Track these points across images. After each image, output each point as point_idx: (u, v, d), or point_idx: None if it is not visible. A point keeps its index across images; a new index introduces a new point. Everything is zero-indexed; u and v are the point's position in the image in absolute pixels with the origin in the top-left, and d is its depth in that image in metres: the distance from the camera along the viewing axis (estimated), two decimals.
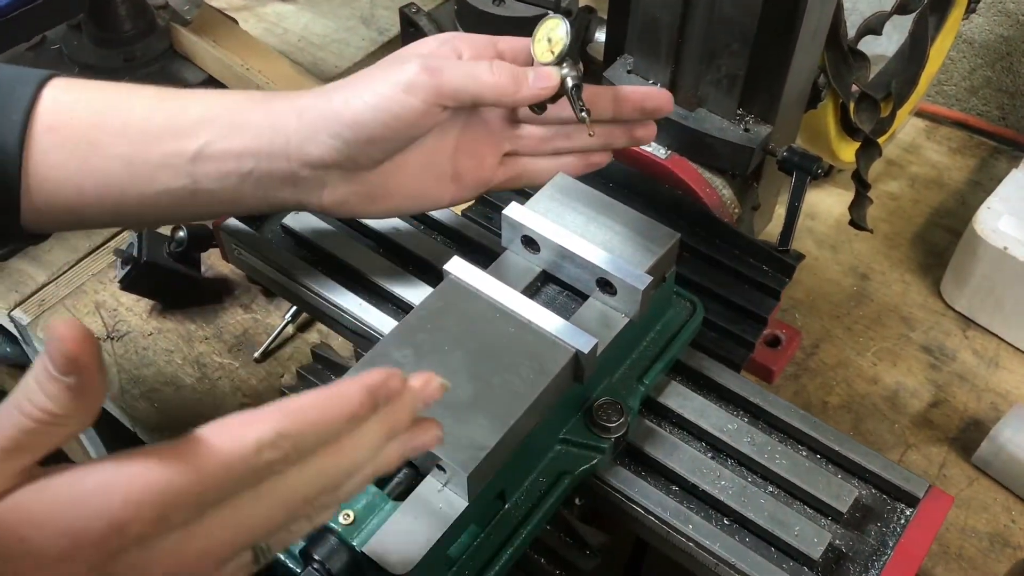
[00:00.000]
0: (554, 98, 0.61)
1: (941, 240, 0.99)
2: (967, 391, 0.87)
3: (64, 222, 0.61)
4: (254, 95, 0.60)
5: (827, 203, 1.01)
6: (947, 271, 0.93)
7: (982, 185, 1.03)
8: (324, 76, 1.14)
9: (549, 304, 0.63)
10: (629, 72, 0.77)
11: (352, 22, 1.22)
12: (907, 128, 1.10)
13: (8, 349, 1.38)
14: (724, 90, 0.72)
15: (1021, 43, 1.02)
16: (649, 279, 0.59)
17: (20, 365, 1.49)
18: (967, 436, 0.84)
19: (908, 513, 0.61)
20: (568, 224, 0.63)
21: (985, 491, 0.81)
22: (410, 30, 1.09)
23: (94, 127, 0.57)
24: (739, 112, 0.73)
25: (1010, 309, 0.88)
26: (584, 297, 0.63)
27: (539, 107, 0.62)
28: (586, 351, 0.56)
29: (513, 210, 0.63)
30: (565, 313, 0.62)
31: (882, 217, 1.01)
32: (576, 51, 0.60)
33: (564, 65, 0.60)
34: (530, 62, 0.62)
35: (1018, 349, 0.90)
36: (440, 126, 0.60)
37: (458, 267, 0.60)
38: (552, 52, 0.60)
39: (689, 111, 0.74)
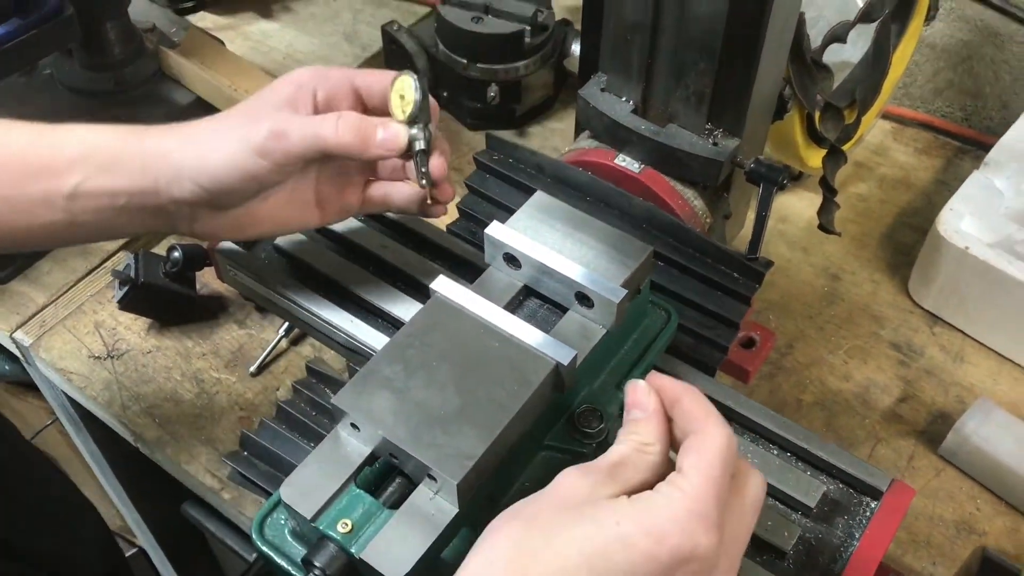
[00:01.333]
0: (405, 155, 0.63)
1: (909, 239, 1.03)
2: (934, 386, 0.91)
3: None
4: (128, 133, 0.63)
5: (798, 207, 1.05)
6: (914, 270, 0.97)
7: (947, 184, 1.07)
8: None
9: (531, 317, 0.67)
10: (603, 90, 0.80)
11: (335, 39, 1.25)
12: (875, 130, 1.14)
13: (7, 367, 1.42)
14: (693, 106, 0.76)
15: (980, 47, 1.06)
16: (624, 292, 0.63)
17: (20, 383, 1.52)
18: (934, 429, 0.88)
19: (873, 506, 0.64)
20: (547, 241, 0.66)
21: (951, 481, 0.85)
22: (392, 47, 1.12)
23: None
24: (708, 127, 0.77)
25: (973, 306, 0.92)
26: (564, 310, 0.66)
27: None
28: (566, 363, 0.59)
29: (495, 229, 0.66)
30: (546, 326, 0.65)
31: (851, 218, 1.05)
32: (428, 110, 0.62)
33: (415, 126, 0.62)
34: (385, 100, 0.64)
35: (982, 344, 0.94)
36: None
37: (444, 285, 0.64)
38: (404, 111, 0.62)
39: (661, 127, 0.78)
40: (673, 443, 0.51)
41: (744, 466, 0.51)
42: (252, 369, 0.92)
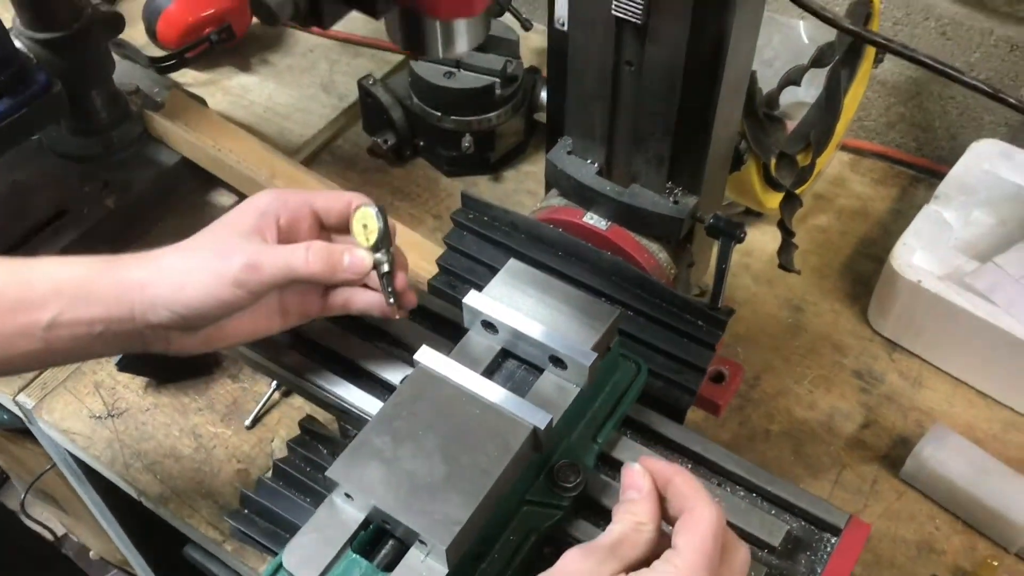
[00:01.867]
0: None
1: (867, 269, 1.08)
2: (894, 411, 0.97)
3: None
4: (99, 264, 0.67)
5: (762, 241, 1.10)
6: (872, 300, 1.03)
7: (903, 213, 1.13)
8: (291, 145, 1.21)
9: (510, 378, 0.72)
10: (569, 152, 0.85)
11: (313, 90, 1.29)
12: (833, 162, 1.19)
13: (6, 416, 1.45)
14: (654, 168, 0.81)
15: (927, 84, 1.11)
16: (595, 355, 0.68)
17: (17, 430, 1.56)
18: (895, 453, 0.93)
19: (833, 541, 0.69)
20: (520, 307, 0.71)
21: (912, 503, 0.90)
22: (368, 100, 1.17)
23: None
24: (668, 185, 0.82)
25: (928, 334, 0.98)
26: (540, 370, 0.71)
27: None
28: (543, 427, 0.64)
29: (472, 298, 0.71)
30: (524, 386, 0.70)
31: (812, 250, 1.10)
32: (390, 236, 0.68)
33: (379, 252, 0.68)
34: (345, 212, 0.70)
35: (938, 368, 0.99)
36: None
37: (427, 356, 0.69)
38: (367, 239, 0.68)
39: (624, 187, 0.83)
40: (666, 518, 0.57)
41: (731, 539, 0.56)
42: (247, 422, 0.96)
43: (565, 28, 0.77)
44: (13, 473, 1.72)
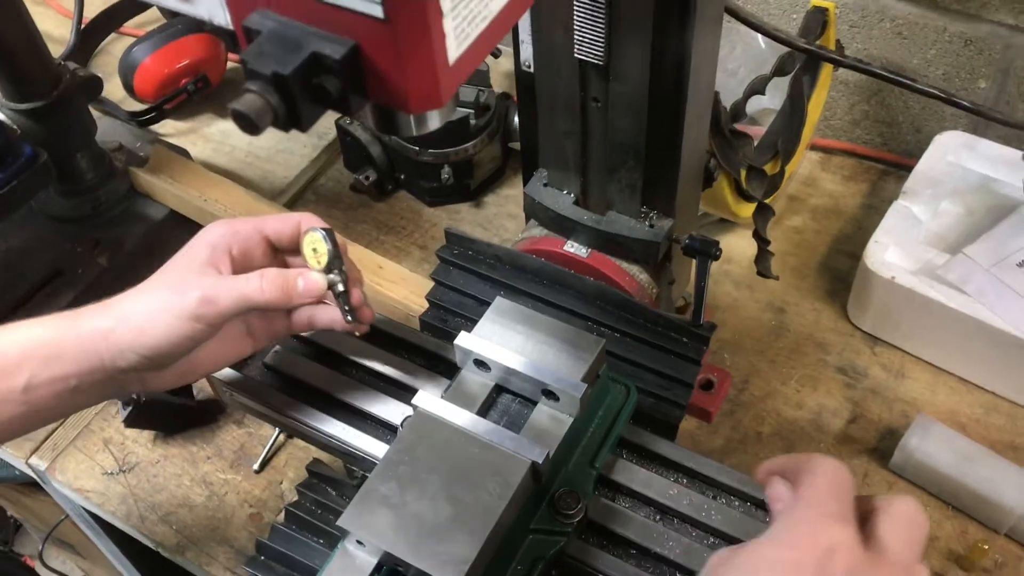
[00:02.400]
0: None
1: (843, 265, 1.12)
2: (879, 404, 1.00)
3: None
4: (64, 320, 0.69)
5: (740, 246, 1.13)
6: (850, 297, 1.06)
7: (875, 207, 1.16)
8: (275, 188, 1.24)
9: (505, 413, 0.75)
10: (545, 184, 0.88)
11: (291, 131, 1.32)
12: (804, 162, 1.23)
13: (17, 472, 1.48)
14: (627, 195, 0.84)
15: (886, 83, 1.14)
16: (584, 386, 0.71)
17: (30, 483, 1.58)
18: (884, 445, 0.96)
19: None
20: (510, 344, 0.74)
21: (903, 493, 0.93)
22: (347, 139, 1.20)
23: None
24: (643, 210, 0.85)
25: (906, 327, 1.01)
26: (533, 403, 0.74)
27: None
28: (540, 460, 0.67)
29: (463, 339, 0.74)
30: (519, 419, 0.73)
31: (789, 251, 1.14)
32: (340, 256, 0.70)
33: (332, 272, 0.70)
34: (296, 234, 0.72)
35: (919, 359, 1.03)
36: None
37: (424, 400, 0.71)
38: (319, 262, 0.70)
39: (601, 215, 0.86)
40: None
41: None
42: (256, 467, 0.99)
43: (532, 70, 0.80)
44: (28, 523, 1.75)
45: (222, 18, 0.46)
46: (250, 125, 0.40)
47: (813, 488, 0.56)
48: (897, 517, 0.55)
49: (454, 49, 0.42)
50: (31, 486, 1.55)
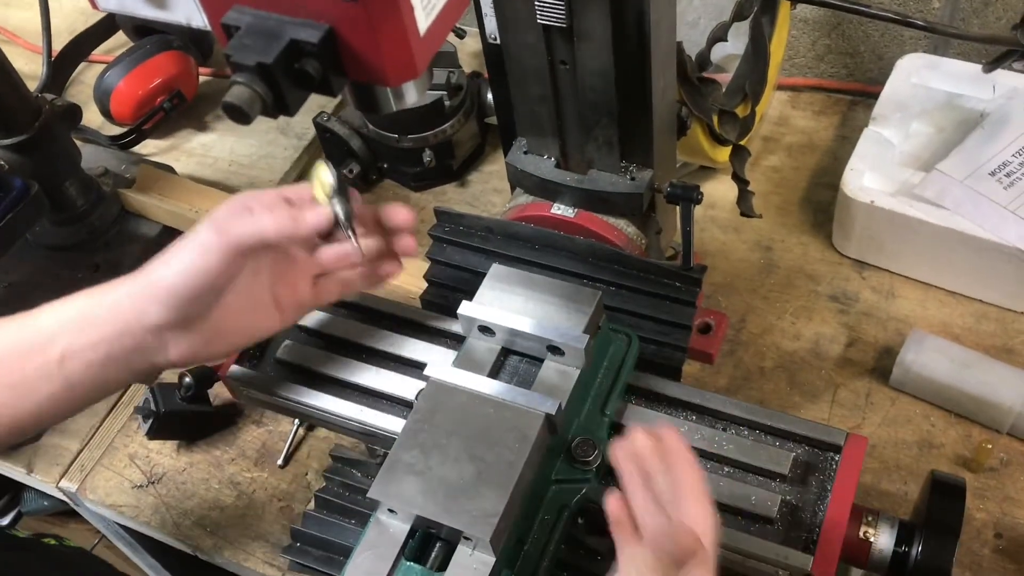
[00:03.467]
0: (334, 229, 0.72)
1: (825, 197, 1.14)
2: (874, 325, 1.03)
3: None
4: (96, 293, 0.70)
5: (722, 191, 1.16)
6: (834, 226, 1.09)
7: (848, 137, 1.19)
8: None
9: (514, 373, 0.78)
10: (525, 152, 0.91)
11: (272, 135, 1.34)
12: (774, 103, 1.25)
13: (46, 503, 1.50)
14: (606, 152, 0.86)
15: (844, 15, 1.17)
16: (587, 336, 0.74)
17: (60, 513, 1.61)
18: (883, 364, 0.99)
19: (837, 459, 0.75)
20: (511, 307, 0.77)
21: (906, 406, 0.96)
22: (326, 135, 1.22)
23: None
24: (623, 164, 0.87)
25: (891, 248, 1.04)
26: (540, 360, 0.77)
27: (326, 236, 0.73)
28: (554, 412, 0.70)
29: (466, 308, 0.77)
30: (528, 378, 0.76)
31: (770, 190, 1.16)
32: (345, 187, 0.71)
33: (335, 201, 0.70)
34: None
35: (907, 277, 1.05)
36: (252, 268, 0.71)
37: (436, 370, 0.74)
38: (324, 193, 0.71)
39: (583, 174, 0.88)
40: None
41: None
42: (279, 462, 1.02)
43: (498, 41, 0.82)
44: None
45: (199, 20, 0.48)
46: (242, 115, 0.42)
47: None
48: None
49: (423, 20, 0.44)
50: (62, 515, 1.58)
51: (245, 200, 0.71)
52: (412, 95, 0.50)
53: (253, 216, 0.68)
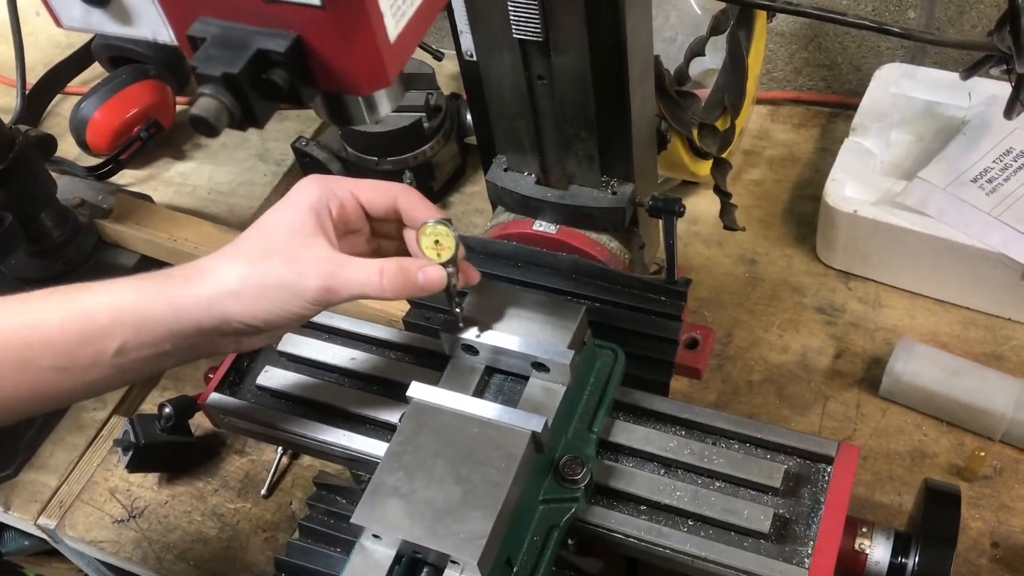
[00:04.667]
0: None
1: (807, 209, 1.14)
2: (862, 335, 1.02)
3: None
4: (150, 286, 0.66)
5: (704, 205, 1.16)
6: (817, 238, 1.08)
7: (828, 150, 1.19)
8: (242, 220, 1.25)
9: (499, 392, 0.76)
10: (505, 169, 0.90)
11: (250, 162, 1.33)
12: (753, 117, 1.25)
13: (27, 543, 1.47)
14: (586, 166, 0.85)
15: (821, 26, 1.17)
16: (571, 353, 0.72)
17: (41, 552, 1.57)
18: (872, 374, 0.98)
19: (829, 470, 0.74)
20: (494, 325, 0.75)
21: (897, 417, 0.95)
22: (304, 160, 1.21)
23: (22, 347, 0.64)
24: (604, 179, 0.86)
25: (876, 258, 1.03)
26: (525, 378, 0.76)
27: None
28: (540, 430, 0.69)
29: (447, 327, 0.75)
30: (514, 396, 0.75)
31: (753, 204, 1.16)
32: (458, 250, 0.68)
33: (450, 267, 0.68)
34: (390, 208, 0.70)
35: (893, 287, 1.05)
36: None
37: (419, 390, 0.73)
38: (439, 255, 0.68)
39: (564, 190, 0.87)
40: None
41: None
42: (263, 492, 1.00)
43: (474, 59, 0.81)
44: None
45: (165, 35, 0.47)
46: (208, 128, 0.41)
47: None
48: None
49: (393, 27, 0.43)
50: (43, 555, 1.54)
51: (325, 200, 0.67)
52: (385, 106, 0.49)
53: (362, 275, 0.65)
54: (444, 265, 0.68)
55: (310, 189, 0.68)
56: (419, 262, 0.67)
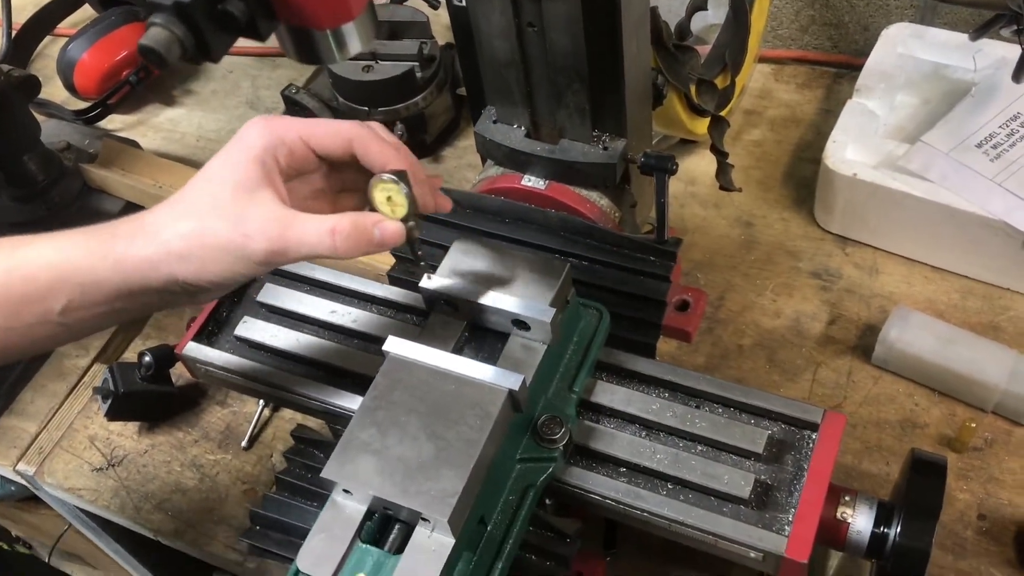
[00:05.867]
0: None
1: (807, 172, 1.11)
2: (856, 302, 1.00)
3: None
4: (95, 244, 0.63)
5: (702, 167, 1.13)
6: (816, 201, 1.05)
7: (831, 112, 1.15)
8: None
9: (479, 350, 0.74)
10: (495, 122, 0.87)
11: (240, 110, 1.30)
12: (756, 75, 1.22)
13: (13, 488, 1.47)
14: (577, 120, 0.83)
15: None
16: (553, 311, 0.70)
17: (27, 498, 1.57)
18: (865, 342, 0.96)
19: (813, 437, 0.72)
20: (475, 281, 0.73)
21: (889, 385, 0.93)
22: (295, 109, 1.18)
23: None
24: (595, 134, 0.84)
25: (874, 222, 1.01)
26: (506, 336, 0.74)
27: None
28: (517, 388, 0.67)
29: (427, 282, 0.73)
30: (494, 354, 0.73)
31: (752, 165, 1.13)
32: (415, 203, 0.64)
33: (408, 221, 0.64)
34: (345, 152, 0.65)
35: (891, 253, 1.02)
36: None
37: (395, 345, 0.71)
38: (393, 211, 0.64)
39: (554, 144, 0.85)
40: None
41: None
42: (244, 444, 0.98)
43: (463, 4, 0.79)
44: (35, 540, 1.75)
45: None
46: (159, 59, 0.39)
47: None
48: None
49: None
50: (30, 501, 1.54)
51: (272, 149, 0.63)
52: (355, 42, 0.46)
53: (313, 236, 0.61)
54: (404, 220, 0.64)
55: (256, 136, 0.63)
56: (374, 217, 0.63)
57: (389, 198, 0.64)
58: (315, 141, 0.65)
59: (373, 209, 0.65)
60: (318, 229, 0.61)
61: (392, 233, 0.63)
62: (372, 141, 0.66)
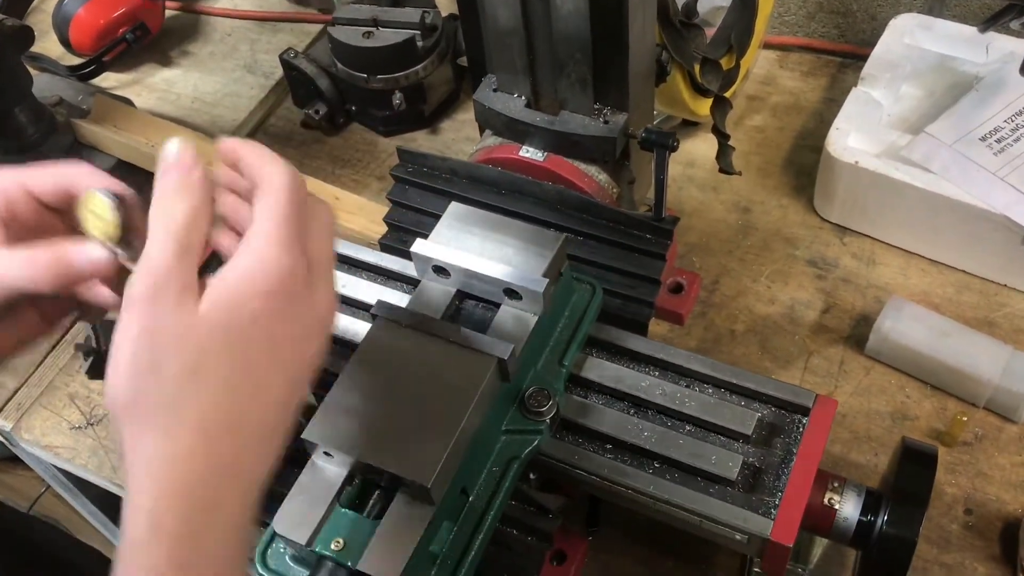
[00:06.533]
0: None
1: (808, 160, 1.10)
2: (852, 292, 0.99)
3: None
4: None
5: (702, 149, 1.12)
6: (816, 189, 1.04)
7: (835, 101, 1.14)
8: (224, 131, 1.21)
9: (469, 318, 0.73)
10: (495, 90, 0.86)
11: (238, 73, 1.28)
12: (761, 61, 1.20)
13: None
14: (579, 92, 0.81)
15: None
16: (546, 281, 0.69)
17: (5, 458, 1.56)
18: (859, 332, 0.95)
19: (804, 421, 0.72)
20: (468, 247, 0.72)
21: (881, 376, 0.92)
22: (293, 74, 1.16)
23: None
24: (596, 107, 0.82)
25: (874, 212, 1.00)
26: (497, 305, 0.72)
27: None
28: (506, 356, 0.66)
29: (420, 246, 0.72)
30: (484, 323, 0.72)
31: (752, 151, 1.12)
32: (134, 224, 0.52)
33: (121, 244, 0.52)
34: (61, 190, 0.55)
35: (889, 244, 1.01)
36: None
37: (383, 309, 0.70)
38: (103, 231, 0.52)
39: (554, 115, 0.83)
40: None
41: (313, 200, 0.55)
42: None
43: None
44: (11, 502, 1.73)
45: None
46: None
47: (266, 218, 0.51)
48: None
49: None
50: (7, 461, 1.53)
51: None
52: None
53: (10, 261, 0.53)
54: (118, 243, 0.52)
55: None
56: (76, 243, 0.53)
57: (93, 212, 0.53)
58: (32, 182, 0.56)
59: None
60: (13, 261, 0.53)
61: (93, 259, 0.53)
62: (85, 175, 0.56)
